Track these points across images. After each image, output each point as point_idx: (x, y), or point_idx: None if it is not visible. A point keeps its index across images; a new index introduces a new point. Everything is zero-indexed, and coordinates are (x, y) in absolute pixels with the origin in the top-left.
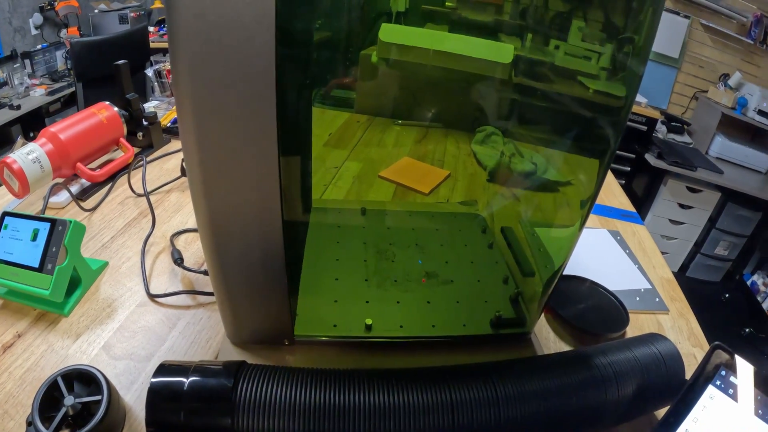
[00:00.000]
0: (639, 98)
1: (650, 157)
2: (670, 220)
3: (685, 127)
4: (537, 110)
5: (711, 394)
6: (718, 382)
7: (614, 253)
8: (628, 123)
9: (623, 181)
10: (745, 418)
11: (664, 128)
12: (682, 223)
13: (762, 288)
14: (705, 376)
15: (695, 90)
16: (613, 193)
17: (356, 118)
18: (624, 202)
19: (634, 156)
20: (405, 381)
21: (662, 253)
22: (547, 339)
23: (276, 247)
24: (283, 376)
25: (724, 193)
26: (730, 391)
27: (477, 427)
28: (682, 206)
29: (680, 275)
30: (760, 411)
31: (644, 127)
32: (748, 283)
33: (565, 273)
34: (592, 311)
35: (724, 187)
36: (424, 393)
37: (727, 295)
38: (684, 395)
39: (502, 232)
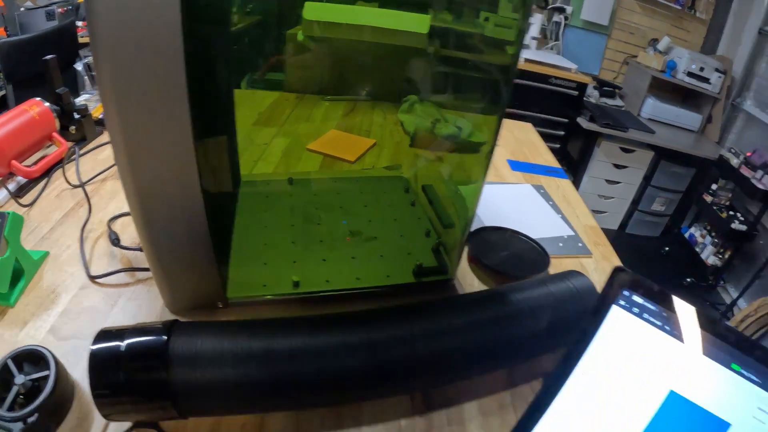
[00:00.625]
0: (568, 64)
1: (582, 121)
2: (606, 181)
3: (617, 91)
4: (449, 77)
5: (616, 314)
6: (621, 302)
7: (537, 205)
8: (560, 89)
9: (558, 146)
10: (650, 333)
11: (596, 93)
12: (618, 183)
13: (699, 239)
14: (610, 297)
15: (626, 55)
16: (539, 152)
17: (286, 96)
18: (550, 160)
19: (567, 120)
20: (326, 324)
21: (601, 212)
22: (472, 286)
23: (199, 219)
24: (211, 329)
25: (657, 152)
26: (635, 309)
27: (396, 363)
28: (616, 166)
29: (620, 232)
30: (667, 327)
31: (575, 92)
32: (686, 236)
33: (488, 225)
34: (514, 257)
35: (657, 146)
36: (345, 334)
37: (667, 249)
38: (591, 316)
39: (423, 190)
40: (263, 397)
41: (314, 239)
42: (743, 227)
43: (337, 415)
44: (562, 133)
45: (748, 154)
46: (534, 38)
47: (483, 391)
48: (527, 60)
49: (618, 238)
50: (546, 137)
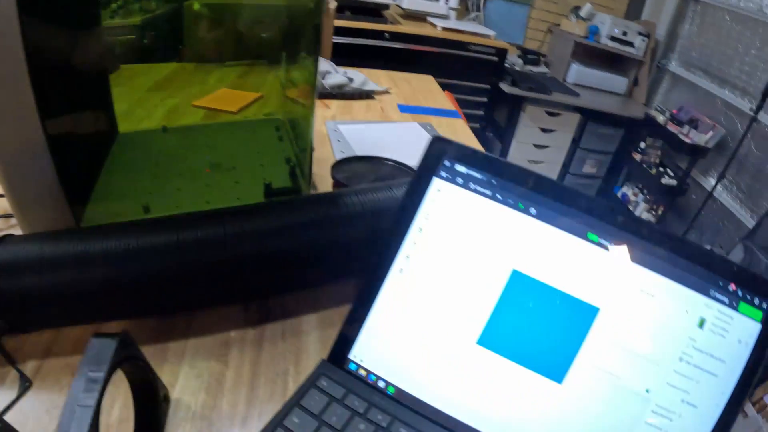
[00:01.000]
0: (487, 32)
1: (505, 86)
2: (535, 145)
3: (542, 58)
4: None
5: (439, 187)
6: (443, 174)
7: (421, 139)
8: (480, 55)
9: (481, 112)
10: (481, 204)
11: (520, 61)
12: (547, 147)
13: (632, 198)
14: (429, 169)
15: (549, 24)
16: (435, 98)
17: (184, 66)
18: (445, 104)
19: (488, 86)
20: (149, 228)
21: None
22: None
23: (46, 168)
24: (38, 238)
25: (584, 114)
26: (459, 180)
27: (208, 264)
28: (543, 130)
29: None
30: (499, 196)
31: (495, 58)
32: (619, 195)
33: (361, 155)
34: (382, 180)
35: (583, 108)
36: (157, 236)
37: (625, 212)
38: (410, 192)
39: (288, 123)
40: (85, 304)
41: (173, 172)
42: (674, 182)
43: (169, 326)
44: (485, 99)
45: (674, 111)
46: (453, 9)
47: (326, 303)
48: (445, 29)
49: None
50: (470, 104)
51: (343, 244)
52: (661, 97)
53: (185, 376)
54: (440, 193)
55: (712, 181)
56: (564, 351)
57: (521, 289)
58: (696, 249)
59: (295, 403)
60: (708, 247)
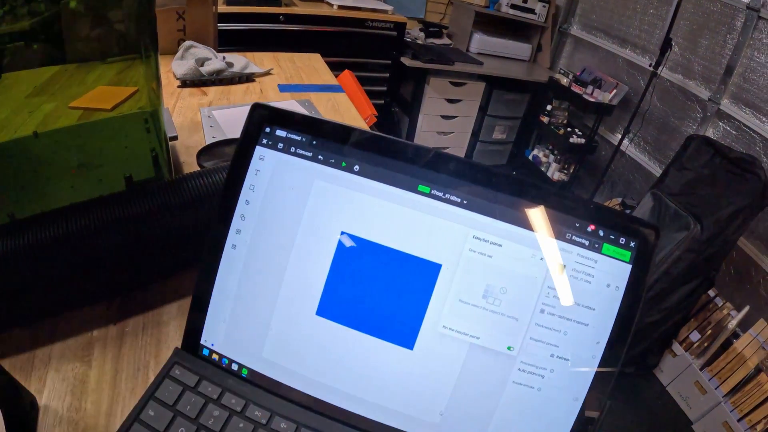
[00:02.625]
0: (384, 7)
1: (406, 60)
2: (442, 116)
3: (444, 30)
4: None
5: (261, 155)
6: (265, 141)
7: None
8: (379, 31)
9: (384, 88)
10: (304, 167)
11: (422, 35)
12: (454, 117)
13: (544, 159)
14: (251, 138)
15: None
16: (319, 75)
17: (66, 68)
18: (330, 81)
19: (389, 62)
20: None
21: (443, 148)
22: None
23: None
24: None
25: (489, 82)
26: (280, 145)
27: (58, 263)
28: (449, 101)
29: None
30: (321, 156)
31: (394, 33)
32: (530, 158)
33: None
34: None
35: (489, 76)
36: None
37: (514, 173)
38: (234, 163)
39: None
40: None
41: (42, 179)
42: (582, 140)
43: (34, 334)
44: (387, 75)
45: (578, 73)
46: None
47: (186, 290)
48: (341, 7)
49: None
50: (372, 81)
51: (191, 227)
52: (565, 60)
53: (52, 381)
54: (263, 162)
55: (619, 137)
56: (410, 315)
57: (353, 253)
58: (544, 191)
59: (150, 395)
60: (619, 199)
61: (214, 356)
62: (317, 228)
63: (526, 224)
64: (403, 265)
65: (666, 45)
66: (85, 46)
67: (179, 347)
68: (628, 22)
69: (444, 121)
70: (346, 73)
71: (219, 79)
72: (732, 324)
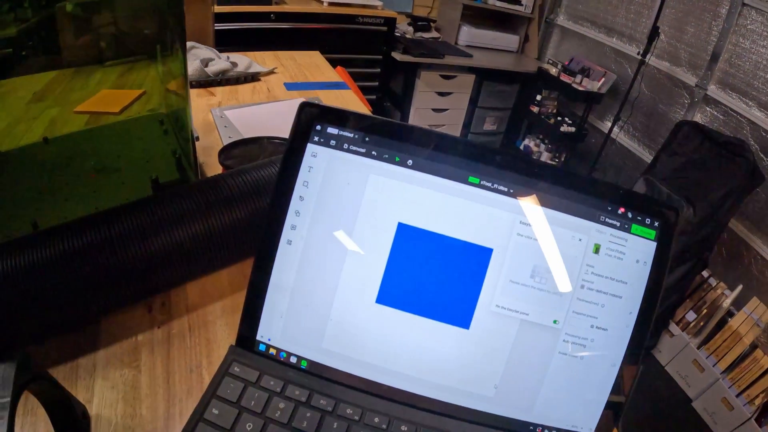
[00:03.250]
0: (373, 2)
1: (397, 54)
2: (433, 110)
3: (432, 24)
4: None
5: (314, 152)
6: (317, 139)
7: None
8: (369, 27)
9: (376, 83)
10: (358, 163)
11: (411, 29)
12: (445, 110)
13: (535, 149)
14: (301, 137)
15: None
16: (321, 72)
17: (63, 73)
18: (333, 77)
19: (380, 57)
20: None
21: None
22: None
23: None
24: None
25: (478, 74)
26: (332, 142)
27: (99, 269)
28: (440, 94)
29: None
30: (375, 152)
31: (384, 28)
32: (522, 148)
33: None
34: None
35: (478, 68)
36: (38, 251)
37: (502, 150)
38: (286, 159)
39: (172, 116)
40: None
41: (60, 185)
42: (572, 129)
43: (75, 343)
44: (378, 70)
45: (566, 62)
46: None
47: (227, 289)
48: (332, 3)
49: None
50: (364, 76)
51: (231, 225)
52: (553, 50)
53: (100, 389)
54: (316, 159)
55: (609, 124)
56: (465, 296)
57: (410, 242)
58: (580, 179)
59: (211, 394)
60: None
61: (272, 351)
62: (374, 220)
63: (565, 209)
64: (457, 251)
65: (653, 33)
66: (84, 50)
67: (234, 344)
68: (614, 11)
69: (435, 114)
70: (339, 70)
71: (225, 79)
72: (726, 303)
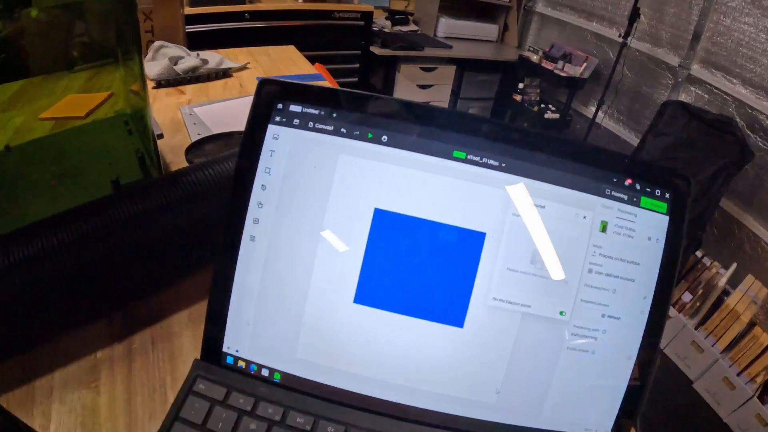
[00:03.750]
0: None
1: (375, 48)
2: None
3: (410, 17)
4: None
5: (275, 133)
6: (277, 118)
7: None
8: (346, 22)
9: (356, 79)
10: (327, 142)
11: (389, 23)
12: (427, 102)
13: None
14: (261, 117)
15: None
16: (297, 65)
17: (31, 81)
18: (308, 69)
19: (359, 52)
20: None
21: None
22: None
23: None
24: None
25: (460, 65)
26: (296, 121)
27: (50, 279)
28: (421, 87)
29: None
30: (344, 129)
31: (361, 22)
32: None
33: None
34: None
35: (458, 59)
36: None
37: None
38: (244, 144)
39: (136, 115)
40: None
41: (21, 194)
42: (556, 115)
43: (30, 363)
44: (357, 65)
45: (547, 49)
46: None
47: (194, 296)
48: (307, 0)
49: None
50: (343, 72)
51: (191, 226)
52: (533, 37)
53: (57, 414)
54: (278, 141)
55: (593, 109)
56: (457, 290)
57: (389, 230)
58: (582, 148)
59: (174, 416)
60: None
61: (240, 363)
62: (347, 207)
63: (565, 183)
64: (445, 238)
65: (634, 15)
66: (51, 56)
67: (198, 358)
68: None
69: None
70: (317, 67)
71: (195, 76)
72: (721, 282)
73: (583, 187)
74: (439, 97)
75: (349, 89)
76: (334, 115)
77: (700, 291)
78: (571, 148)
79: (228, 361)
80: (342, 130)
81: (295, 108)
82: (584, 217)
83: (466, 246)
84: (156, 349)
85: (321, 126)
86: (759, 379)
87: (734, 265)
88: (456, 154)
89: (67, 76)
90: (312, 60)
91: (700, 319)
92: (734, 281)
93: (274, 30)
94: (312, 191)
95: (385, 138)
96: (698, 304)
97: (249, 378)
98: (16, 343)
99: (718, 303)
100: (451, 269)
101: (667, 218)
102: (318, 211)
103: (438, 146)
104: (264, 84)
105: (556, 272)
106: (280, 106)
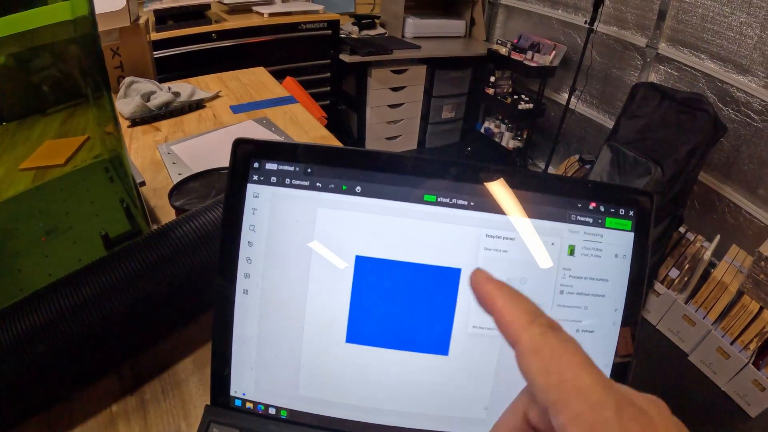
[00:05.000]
0: (314, 7)
1: (345, 56)
2: (389, 106)
3: (376, 21)
4: None
5: (255, 192)
6: (255, 177)
7: (258, 135)
8: (313, 32)
9: (328, 88)
10: (304, 198)
11: (356, 28)
12: (401, 104)
13: (496, 130)
14: (239, 178)
15: None
16: (268, 89)
17: (5, 127)
18: (280, 92)
19: (329, 61)
20: None
21: (394, 137)
22: None
23: None
24: None
25: (429, 64)
26: (273, 178)
27: (57, 347)
28: (394, 89)
29: (420, 149)
30: (320, 183)
31: (328, 31)
32: (482, 131)
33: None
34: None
35: (428, 58)
36: None
37: (469, 149)
38: (227, 205)
39: (116, 160)
40: None
41: (10, 255)
42: (530, 105)
43: (48, 424)
44: (329, 74)
45: (515, 40)
46: None
47: (198, 341)
48: (272, 14)
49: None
50: (315, 83)
51: (188, 276)
52: (500, 30)
53: None
54: (258, 199)
55: (566, 96)
56: (439, 322)
57: (371, 274)
58: (545, 178)
59: None
60: (577, 156)
61: (249, 405)
62: (330, 256)
63: (533, 214)
64: (424, 277)
65: (599, 0)
66: (22, 101)
67: (209, 404)
68: None
69: (391, 110)
70: (289, 80)
71: (169, 111)
72: (707, 255)
73: (549, 216)
74: (413, 98)
75: (319, 144)
76: (308, 170)
77: (687, 266)
78: (537, 181)
79: (237, 404)
80: (317, 184)
81: (270, 166)
82: (552, 244)
83: (443, 282)
84: (167, 397)
85: (297, 182)
86: (752, 346)
87: (717, 237)
88: (426, 197)
89: (42, 119)
90: (283, 74)
91: (689, 293)
92: (719, 253)
93: (242, 48)
94: (296, 244)
95: (358, 189)
96: (686, 278)
97: (258, 417)
98: (33, 406)
99: (705, 276)
100: (432, 304)
101: (632, 234)
102: (303, 262)
103: (409, 192)
104: (238, 144)
105: (529, 296)
106: (256, 164)
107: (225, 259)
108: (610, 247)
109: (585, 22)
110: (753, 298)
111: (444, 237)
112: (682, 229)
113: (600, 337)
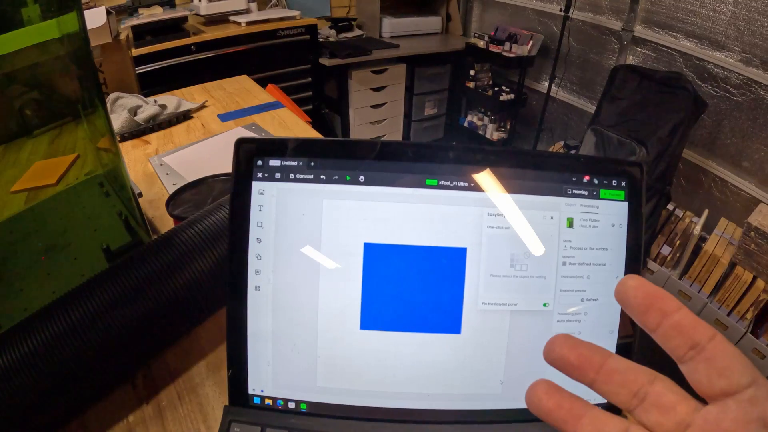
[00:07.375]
0: (291, 13)
1: (325, 60)
2: (371, 107)
3: (353, 23)
4: None
5: (261, 189)
6: (260, 175)
7: None
8: (291, 39)
9: (310, 93)
10: (308, 191)
11: (333, 32)
12: (383, 104)
13: (479, 123)
14: (244, 176)
15: None
16: (254, 95)
17: None
18: (266, 98)
19: (309, 66)
20: None
21: (379, 137)
22: None
23: None
24: None
25: (409, 62)
26: (277, 174)
27: (69, 361)
28: (375, 90)
29: None
30: (324, 176)
31: (307, 36)
32: (466, 125)
33: (193, 180)
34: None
35: (407, 56)
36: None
37: (454, 143)
38: (233, 203)
39: (110, 175)
40: None
41: (12, 276)
42: (511, 96)
43: None
44: (309, 79)
45: (491, 33)
46: (252, 1)
47: (208, 345)
48: (250, 23)
49: None
50: (297, 88)
51: (193, 281)
52: (476, 23)
53: None
54: (264, 196)
55: (547, 84)
56: (449, 302)
57: (381, 260)
58: (540, 156)
59: None
60: (561, 142)
61: (267, 401)
62: (339, 246)
63: (531, 190)
64: (431, 259)
65: None
66: (7, 124)
67: (227, 404)
68: None
69: (374, 110)
70: (270, 88)
71: (157, 124)
72: (696, 230)
73: (546, 191)
74: (394, 97)
75: (320, 138)
76: (312, 163)
77: (678, 242)
78: (530, 158)
79: (255, 401)
80: (321, 176)
81: (274, 162)
82: (551, 218)
83: (450, 262)
84: (184, 402)
85: (301, 176)
86: (749, 315)
87: (706, 212)
88: (428, 182)
89: (29, 141)
90: (265, 81)
91: (682, 268)
92: (708, 227)
93: (222, 58)
94: (304, 236)
95: (362, 178)
96: (678, 254)
97: (278, 413)
98: (47, 424)
99: (697, 250)
100: (441, 285)
101: (626, 204)
102: (313, 254)
103: (410, 178)
104: (241, 143)
105: (535, 270)
106: (259, 162)
107: (235, 258)
108: (607, 217)
109: (560, 10)
110: (746, 268)
111: (448, 218)
112: (670, 207)
113: (604, 304)
